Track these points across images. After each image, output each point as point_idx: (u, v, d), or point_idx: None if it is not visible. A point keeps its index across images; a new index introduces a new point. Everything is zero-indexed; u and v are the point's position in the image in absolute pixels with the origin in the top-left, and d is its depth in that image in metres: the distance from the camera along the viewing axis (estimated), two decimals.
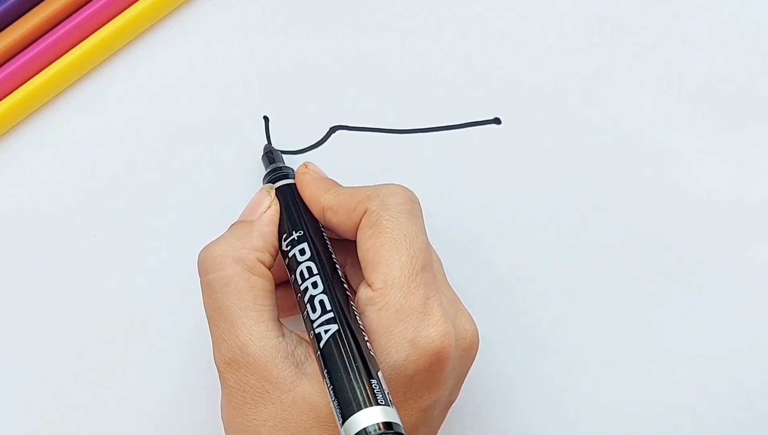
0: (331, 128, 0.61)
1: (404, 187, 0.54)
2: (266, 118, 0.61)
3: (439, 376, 0.52)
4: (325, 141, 0.61)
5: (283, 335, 0.52)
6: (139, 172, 0.61)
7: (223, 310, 0.53)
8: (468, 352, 0.54)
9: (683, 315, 0.61)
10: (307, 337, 0.53)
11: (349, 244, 0.55)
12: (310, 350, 0.52)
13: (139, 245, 0.60)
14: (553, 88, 0.62)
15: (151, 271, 0.60)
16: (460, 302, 0.54)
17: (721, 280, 0.61)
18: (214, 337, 0.53)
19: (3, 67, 0.60)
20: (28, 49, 0.60)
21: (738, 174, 0.62)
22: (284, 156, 0.61)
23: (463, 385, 0.55)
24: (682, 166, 0.62)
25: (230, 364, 0.52)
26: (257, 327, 0.52)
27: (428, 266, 0.53)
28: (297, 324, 0.54)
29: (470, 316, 0.54)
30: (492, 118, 0.62)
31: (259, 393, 0.52)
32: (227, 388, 0.53)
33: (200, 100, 0.61)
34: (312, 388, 0.51)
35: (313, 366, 0.52)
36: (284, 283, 0.55)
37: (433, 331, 0.51)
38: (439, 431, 0.55)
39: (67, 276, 0.60)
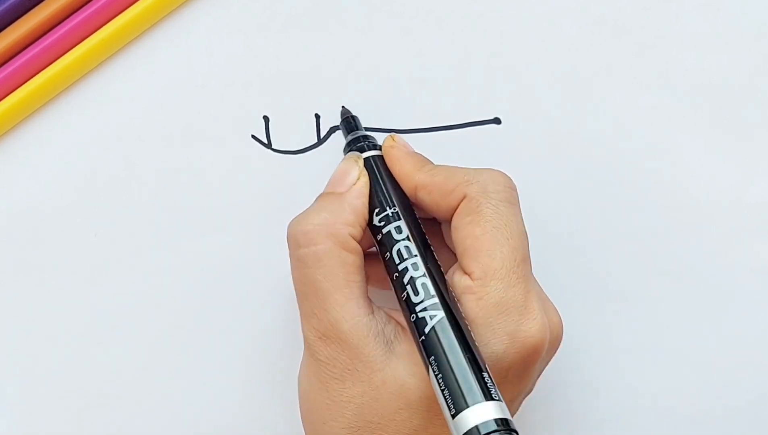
0: (331, 128, 0.61)
1: (504, 173, 0.54)
2: (266, 118, 0.61)
3: (531, 370, 0.52)
4: (325, 141, 0.61)
5: (372, 313, 0.52)
6: (139, 172, 0.61)
7: (315, 285, 0.52)
8: (554, 344, 0.53)
9: (683, 315, 0.61)
10: (395, 315, 0.52)
11: (436, 226, 0.54)
12: (399, 329, 0.52)
13: (139, 245, 0.60)
14: (553, 88, 0.62)
15: (151, 271, 0.60)
16: (547, 296, 0.54)
17: (721, 280, 0.61)
18: (305, 311, 0.52)
19: (3, 67, 0.60)
20: (28, 49, 0.60)
21: (738, 174, 0.62)
22: (284, 156, 0.61)
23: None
24: (682, 166, 0.62)
25: (322, 338, 0.52)
26: (349, 304, 0.52)
27: (527, 259, 0.52)
28: (382, 297, 0.54)
29: (556, 310, 0.54)
30: (492, 118, 0.62)
31: (349, 370, 0.51)
32: (317, 362, 0.52)
33: (200, 100, 0.61)
34: (403, 369, 0.51)
35: (402, 346, 0.51)
36: (368, 254, 0.54)
37: (532, 326, 0.51)
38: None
39: (67, 276, 0.60)
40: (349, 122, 0.59)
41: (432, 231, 0.55)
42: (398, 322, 0.52)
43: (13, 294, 0.60)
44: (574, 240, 0.61)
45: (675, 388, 0.61)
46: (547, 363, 0.54)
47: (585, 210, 0.61)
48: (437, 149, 0.61)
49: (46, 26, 0.60)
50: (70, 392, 0.60)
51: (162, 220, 0.60)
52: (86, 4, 0.60)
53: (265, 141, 0.61)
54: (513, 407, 0.53)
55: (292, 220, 0.53)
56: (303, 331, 0.53)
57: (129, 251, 0.60)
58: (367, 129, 0.60)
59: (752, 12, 0.62)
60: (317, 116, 0.61)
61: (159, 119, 0.61)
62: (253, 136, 0.61)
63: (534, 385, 0.54)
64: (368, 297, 0.53)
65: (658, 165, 0.62)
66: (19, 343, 0.60)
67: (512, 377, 0.51)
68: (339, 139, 0.60)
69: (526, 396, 0.54)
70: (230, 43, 0.61)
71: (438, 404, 0.50)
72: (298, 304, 0.53)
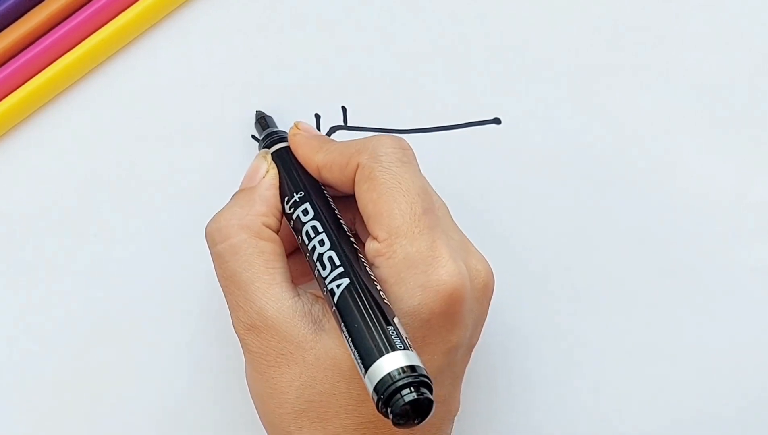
0: (331, 128, 0.61)
1: (394, 136, 0.54)
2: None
3: (456, 318, 0.52)
4: None
5: (298, 295, 0.53)
6: (139, 171, 0.61)
7: (235, 277, 0.53)
8: (483, 292, 0.54)
9: (683, 315, 0.61)
10: (322, 295, 0.53)
11: (353, 201, 0.55)
12: (327, 307, 0.52)
13: (139, 245, 0.60)
14: (552, 88, 0.62)
15: (151, 271, 0.60)
16: (471, 244, 0.54)
17: (721, 280, 0.61)
18: (231, 305, 0.53)
19: (3, 67, 0.60)
20: (28, 49, 0.60)
21: (738, 174, 0.62)
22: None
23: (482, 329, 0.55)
24: (683, 166, 0.62)
25: (250, 329, 0.52)
26: (271, 290, 0.52)
27: (430, 210, 0.53)
28: (315, 289, 0.54)
29: (482, 257, 0.54)
30: (492, 118, 0.62)
31: (282, 355, 0.52)
32: (250, 354, 0.53)
33: (200, 100, 0.61)
34: (332, 342, 0.51)
35: (331, 322, 0.52)
36: (297, 250, 0.55)
37: (443, 273, 0.51)
38: (465, 375, 0.55)
39: (67, 276, 0.60)
40: (262, 122, 0.60)
41: (354, 208, 0.55)
42: (325, 301, 0.53)
43: (12, 294, 0.60)
44: (574, 240, 0.61)
45: (675, 388, 0.61)
46: (483, 310, 0.54)
47: (584, 210, 0.61)
48: (437, 149, 0.61)
49: (46, 26, 0.60)
50: (70, 392, 0.60)
51: (162, 220, 0.60)
52: (86, 4, 0.60)
53: None
54: (451, 358, 0.53)
55: (208, 221, 0.55)
56: (234, 328, 0.53)
57: (129, 251, 0.60)
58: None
59: (752, 12, 0.62)
60: (317, 116, 0.61)
61: (159, 119, 0.61)
62: (253, 136, 0.61)
63: (475, 332, 0.54)
64: (292, 282, 0.53)
65: (658, 165, 0.62)
66: (19, 343, 0.60)
67: (438, 327, 0.52)
68: (339, 139, 0.60)
69: (471, 346, 0.54)
70: (230, 43, 0.61)
71: None
72: (226, 300, 0.54)
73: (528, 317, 0.61)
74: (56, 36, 0.60)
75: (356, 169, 0.54)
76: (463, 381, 0.55)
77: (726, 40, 0.62)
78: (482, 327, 0.55)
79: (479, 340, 0.55)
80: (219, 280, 0.54)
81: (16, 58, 0.60)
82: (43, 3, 0.60)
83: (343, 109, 0.61)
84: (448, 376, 0.53)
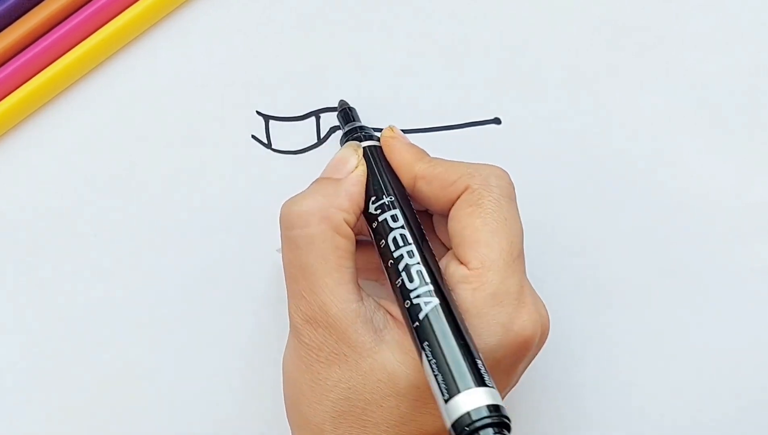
0: (331, 128, 0.61)
1: (504, 169, 0.54)
2: (266, 118, 0.61)
3: (521, 364, 0.52)
4: (325, 141, 0.61)
5: (362, 299, 0.52)
6: (139, 171, 0.61)
7: (305, 267, 0.52)
8: (543, 339, 0.54)
9: (683, 315, 0.61)
10: (384, 305, 0.52)
11: (428, 218, 0.54)
12: (389, 318, 0.52)
13: (139, 245, 0.60)
14: (553, 88, 0.62)
15: (151, 271, 0.60)
16: (535, 291, 0.54)
17: (721, 280, 0.61)
18: (293, 292, 0.53)
19: (3, 67, 0.60)
20: (28, 49, 0.60)
21: (738, 174, 0.62)
22: (284, 156, 0.61)
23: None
24: (683, 166, 0.62)
25: (309, 321, 0.52)
26: (339, 289, 0.52)
27: (522, 255, 0.53)
28: (368, 287, 0.54)
29: (544, 305, 0.54)
30: (492, 118, 0.62)
31: (335, 354, 0.51)
32: (301, 344, 0.52)
33: (200, 100, 0.61)
34: (393, 357, 0.51)
35: (391, 334, 0.51)
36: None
37: (526, 319, 0.51)
38: None
39: (67, 276, 0.60)
40: (346, 113, 0.59)
41: (424, 223, 0.55)
42: (387, 311, 0.53)
43: (12, 294, 0.60)
44: (574, 240, 0.61)
45: (675, 388, 0.61)
46: (534, 358, 0.54)
47: (585, 210, 0.61)
48: (437, 149, 0.61)
49: (46, 26, 0.60)
50: (70, 392, 0.60)
51: (162, 220, 0.60)
52: (86, 4, 0.60)
53: (265, 141, 0.61)
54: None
55: (286, 201, 0.54)
56: (289, 313, 0.53)
57: (129, 251, 0.60)
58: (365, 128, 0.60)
59: (752, 12, 0.62)
60: (317, 116, 0.61)
61: (159, 119, 0.61)
62: (253, 136, 0.61)
63: (519, 378, 0.54)
64: (358, 284, 0.53)
65: (658, 165, 0.62)
66: (19, 343, 0.60)
67: (502, 369, 0.52)
68: (339, 139, 0.60)
69: (511, 389, 0.54)
70: (230, 43, 0.61)
71: (427, 393, 0.50)
72: (287, 286, 0.53)
73: None
74: (56, 36, 0.60)
75: (463, 191, 0.53)
76: None
77: (726, 40, 0.62)
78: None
79: None
80: (285, 265, 0.53)
81: (16, 58, 0.60)
82: (43, 3, 0.60)
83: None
84: None
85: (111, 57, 0.61)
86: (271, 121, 0.61)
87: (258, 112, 0.60)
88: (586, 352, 0.61)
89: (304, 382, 0.52)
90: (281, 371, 0.54)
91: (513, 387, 0.55)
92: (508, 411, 0.48)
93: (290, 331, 0.53)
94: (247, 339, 0.60)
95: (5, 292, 0.60)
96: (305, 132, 0.61)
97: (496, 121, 0.62)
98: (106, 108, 0.61)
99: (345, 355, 0.51)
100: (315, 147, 0.61)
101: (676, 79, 0.62)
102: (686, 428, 0.61)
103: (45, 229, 0.60)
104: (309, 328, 0.52)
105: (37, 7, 0.60)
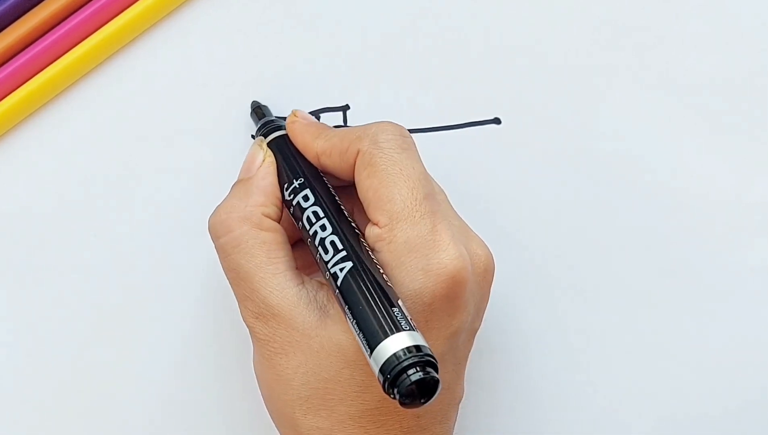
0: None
1: (393, 123, 0.55)
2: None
3: (458, 302, 0.52)
4: None
5: (302, 283, 0.53)
6: (138, 171, 0.61)
7: (239, 270, 0.53)
8: (484, 276, 0.54)
9: (683, 315, 0.61)
10: (326, 282, 0.53)
11: (352, 192, 0.55)
12: (331, 293, 0.53)
13: (139, 245, 0.60)
14: (553, 88, 0.62)
15: (151, 271, 0.60)
16: (470, 229, 0.55)
17: (721, 280, 0.61)
18: (238, 297, 0.54)
19: (3, 67, 0.60)
20: (28, 49, 0.60)
21: (738, 174, 0.62)
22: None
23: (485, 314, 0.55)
24: (682, 166, 0.62)
25: (258, 317, 0.53)
26: (275, 279, 0.53)
27: (430, 195, 0.53)
28: (321, 277, 0.54)
29: (482, 241, 0.54)
30: (492, 118, 0.62)
31: (288, 342, 0.52)
32: (257, 342, 0.53)
33: (200, 100, 0.61)
34: (337, 328, 0.52)
35: (336, 308, 0.52)
36: (301, 240, 0.56)
37: (444, 257, 0.52)
38: (468, 361, 0.55)
39: (67, 276, 0.60)
40: (258, 111, 0.60)
41: (353, 198, 0.55)
42: (329, 287, 0.53)
43: (12, 294, 0.60)
44: (574, 240, 0.61)
45: (675, 388, 0.61)
46: (484, 294, 0.54)
47: (585, 210, 0.61)
48: (437, 149, 0.61)
49: (46, 26, 0.60)
50: (70, 392, 0.60)
51: (162, 220, 0.60)
52: (86, 4, 0.60)
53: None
54: (454, 342, 0.53)
55: (211, 214, 0.55)
56: (242, 317, 0.54)
57: (128, 251, 0.60)
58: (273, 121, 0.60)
59: (752, 12, 0.62)
60: (317, 116, 0.61)
61: (159, 119, 0.61)
62: (253, 136, 0.61)
63: (477, 317, 0.54)
64: (296, 270, 0.54)
65: (658, 165, 0.62)
66: (19, 343, 0.60)
67: (439, 311, 0.52)
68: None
69: (473, 330, 0.55)
70: (230, 43, 0.61)
71: None
72: (233, 293, 0.54)
73: (528, 317, 0.61)
74: (56, 36, 0.60)
75: (357, 156, 0.54)
76: (466, 372, 0.55)
77: (726, 40, 0.62)
78: (484, 312, 0.55)
79: (481, 339, 0.55)
80: (224, 273, 0.55)
81: (16, 58, 0.60)
82: (43, 3, 0.60)
83: (344, 108, 0.61)
84: (450, 361, 0.53)
85: (111, 57, 0.61)
86: None
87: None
88: (585, 351, 0.61)
89: (270, 378, 0.53)
90: None
91: (477, 327, 0.55)
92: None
93: (249, 334, 0.54)
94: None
95: (5, 292, 0.60)
96: None
97: (496, 121, 0.62)
98: (106, 108, 0.61)
99: (296, 340, 0.52)
100: None
101: (675, 79, 0.62)
102: (686, 427, 0.61)
103: (45, 229, 0.60)
104: (260, 324, 0.53)
105: (37, 7, 0.60)
